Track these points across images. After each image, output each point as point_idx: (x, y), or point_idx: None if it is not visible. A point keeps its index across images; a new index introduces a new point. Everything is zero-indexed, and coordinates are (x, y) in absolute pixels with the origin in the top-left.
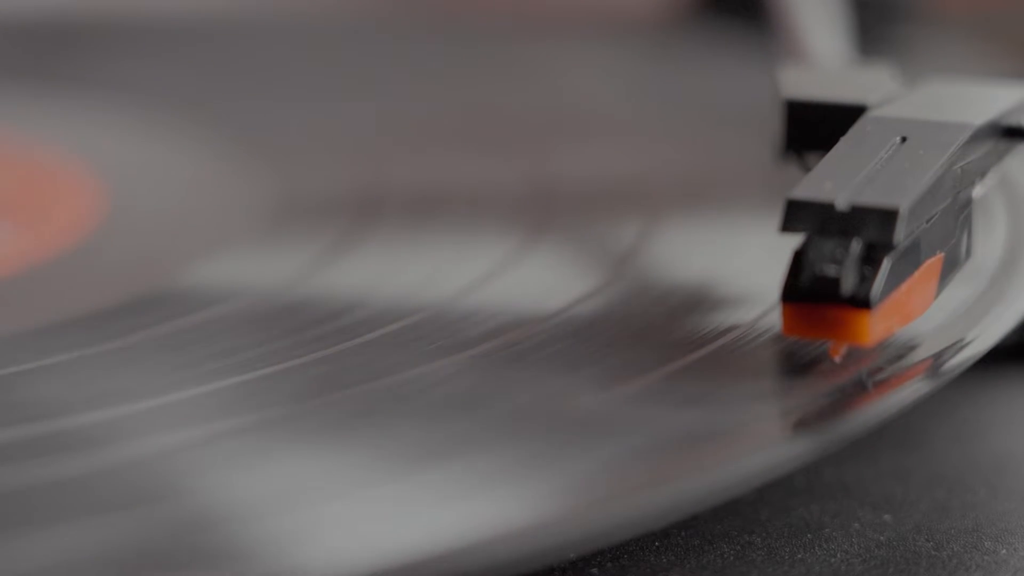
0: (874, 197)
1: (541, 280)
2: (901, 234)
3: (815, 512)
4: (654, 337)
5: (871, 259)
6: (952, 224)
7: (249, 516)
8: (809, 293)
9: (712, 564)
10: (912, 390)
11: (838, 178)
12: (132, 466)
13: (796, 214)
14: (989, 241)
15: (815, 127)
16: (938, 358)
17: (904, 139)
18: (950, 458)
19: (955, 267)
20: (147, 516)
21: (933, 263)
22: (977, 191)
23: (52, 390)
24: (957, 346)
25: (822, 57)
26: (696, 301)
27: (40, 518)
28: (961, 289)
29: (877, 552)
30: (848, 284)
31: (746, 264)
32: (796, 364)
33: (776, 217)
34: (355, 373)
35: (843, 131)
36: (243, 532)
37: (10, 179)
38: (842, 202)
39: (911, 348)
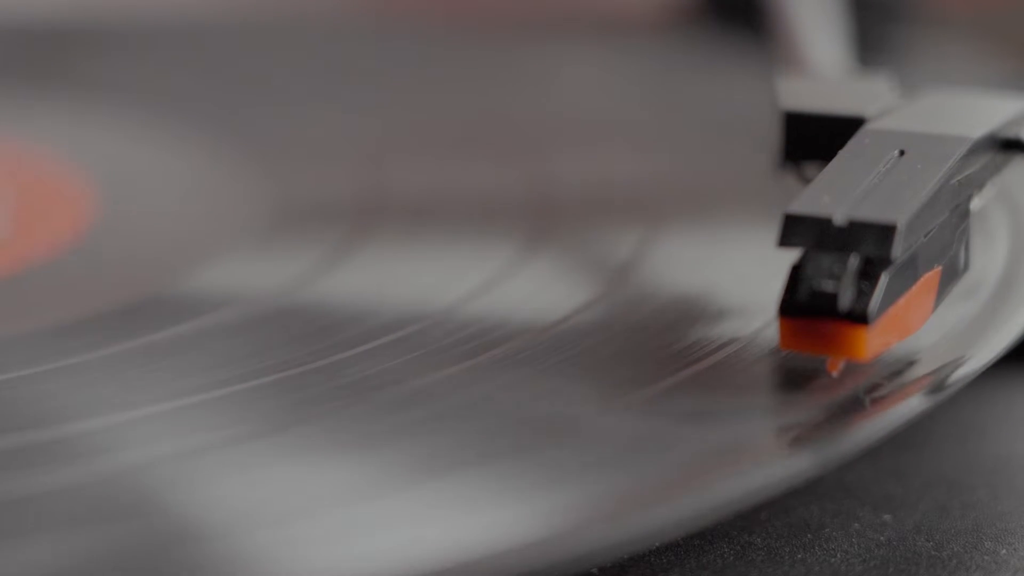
0: (872, 212)
1: (539, 290)
2: (899, 249)
3: (815, 512)
4: (652, 349)
5: (869, 274)
6: (950, 237)
7: (243, 528)
8: (806, 308)
9: (712, 564)
10: (909, 407)
11: (836, 193)
12: (124, 475)
13: (793, 229)
14: (989, 254)
15: (813, 138)
16: (936, 374)
17: (902, 152)
18: (950, 458)
19: (953, 280)
20: (139, 526)
21: (931, 277)
22: (975, 203)
23: (41, 398)
24: (956, 363)
25: (821, 65)
26: (694, 313)
27: (24, 528)
28: (961, 304)
29: (877, 552)
30: (845, 299)
31: (744, 276)
32: (793, 379)
33: (774, 229)
34: (353, 383)
35: (841, 143)
36: (237, 543)
37: (4, 182)
38: (840, 217)
39: (909, 364)
